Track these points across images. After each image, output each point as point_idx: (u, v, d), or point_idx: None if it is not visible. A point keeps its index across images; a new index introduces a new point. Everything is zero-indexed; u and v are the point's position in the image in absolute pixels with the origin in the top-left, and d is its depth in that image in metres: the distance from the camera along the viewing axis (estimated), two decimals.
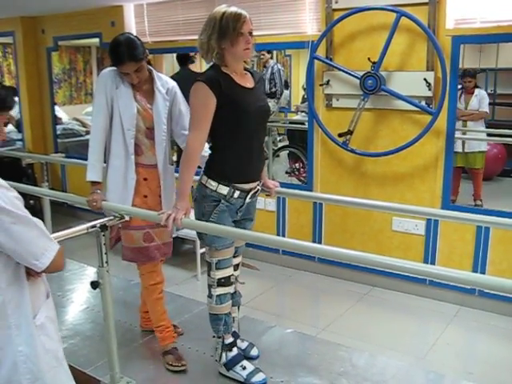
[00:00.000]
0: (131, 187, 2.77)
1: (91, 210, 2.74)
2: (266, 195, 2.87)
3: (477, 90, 5.09)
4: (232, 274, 2.64)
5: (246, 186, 2.51)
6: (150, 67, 2.82)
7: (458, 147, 4.97)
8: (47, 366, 1.76)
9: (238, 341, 2.85)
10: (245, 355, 2.80)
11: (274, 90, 6.83)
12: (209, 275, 2.61)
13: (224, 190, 2.45)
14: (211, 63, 2.45)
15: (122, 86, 2.72)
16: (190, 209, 2.42)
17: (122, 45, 2.65)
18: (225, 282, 2.59)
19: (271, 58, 6.93)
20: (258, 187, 2.60)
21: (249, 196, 2.53)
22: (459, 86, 5.06)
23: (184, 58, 5.63)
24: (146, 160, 2.80)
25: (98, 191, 2.73)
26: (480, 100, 5.05)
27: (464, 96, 5.05)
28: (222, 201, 2.47)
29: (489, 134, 5.55)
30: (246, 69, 2.53)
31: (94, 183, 2.74)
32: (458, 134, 4.96)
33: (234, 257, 2.69)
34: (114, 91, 2.71)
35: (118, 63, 2.67)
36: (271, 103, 6.88)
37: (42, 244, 1.69)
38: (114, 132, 2.76)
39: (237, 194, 2.48)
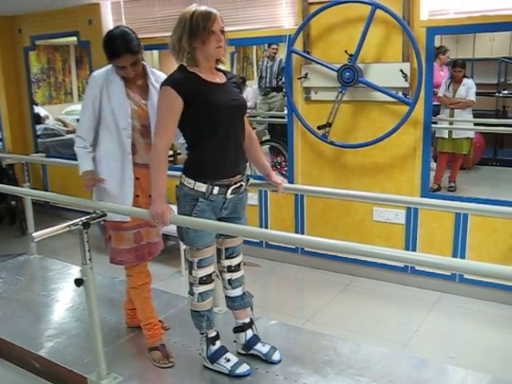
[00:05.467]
0: (130, 187, 2.70)
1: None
2: (272, 191, 2.87)
3: (465, 80, 5.23)
4: (213, 272, 2.65)
5: (225, 181, 2.48)
6: (144, 62, 2.76)
7: (445, 134, 5.22)
8: None
9: (259, 345, 2.78)
10: (266, 359, 2.75)
11: (280, 83, 6.71)
12: (190, 274, 2.61)
13: (202, 187, 2.44)
14: (178, 65, 2.44)
15: (113, 85, 2.65)
16: (170, 208, 2.41)
17: (117, 38, 2.59)
18: (206, 279, 2.60)
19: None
20: (242, 183, 2.57)
21: (229, 192, 2.50)
22: (448, 76, 5.21)
23: None
24: (140, 159, 2.72)
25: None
26: (467, 89, 5.20)
27: (452, 85, 5.21)
28: (201, 199, 2.44)
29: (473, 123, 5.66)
30: (218, 69, 2.51)
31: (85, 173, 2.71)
32: (445, 124, 5.23)
33: (232, 257, 2.69)
34: (104, 93, 2.64)
35: (114, 57, 2.60)
36: (279, 96, 6.74)
37: None
38: (106, 133, 2.69)
39: (216, 190, 2.45)
